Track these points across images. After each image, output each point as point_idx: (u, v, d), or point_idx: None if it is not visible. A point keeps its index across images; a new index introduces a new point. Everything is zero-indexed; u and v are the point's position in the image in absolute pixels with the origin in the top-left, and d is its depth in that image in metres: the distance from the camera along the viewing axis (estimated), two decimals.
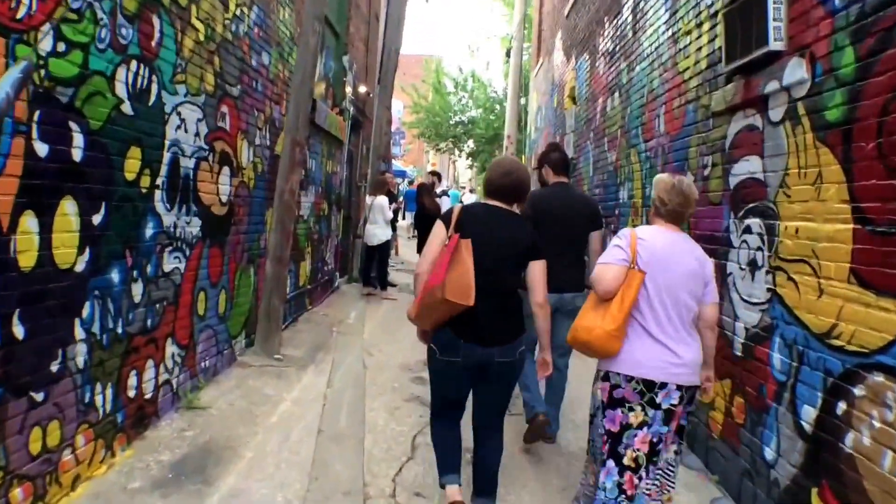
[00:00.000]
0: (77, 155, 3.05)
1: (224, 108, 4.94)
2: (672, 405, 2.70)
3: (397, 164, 25.09)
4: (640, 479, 2.72)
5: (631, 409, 2.70)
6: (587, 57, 8.21)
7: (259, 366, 5.60)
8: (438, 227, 3.02)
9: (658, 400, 2.69)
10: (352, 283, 10.41)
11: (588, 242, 4.12)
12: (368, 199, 9.43)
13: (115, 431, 3.56)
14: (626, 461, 2.71)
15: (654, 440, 2.72)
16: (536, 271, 3.01)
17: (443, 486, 3.15)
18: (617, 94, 6.58)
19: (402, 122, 27.06)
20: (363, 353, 6.41)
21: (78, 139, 3.05)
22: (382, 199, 9.23)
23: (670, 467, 2.88)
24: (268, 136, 6.01)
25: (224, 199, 5.05)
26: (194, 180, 4.49)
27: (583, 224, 4.05)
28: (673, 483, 2.92)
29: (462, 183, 40.61)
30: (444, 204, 10.12)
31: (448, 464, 3.16)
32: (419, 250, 9.85)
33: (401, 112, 29.67)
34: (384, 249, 9.42)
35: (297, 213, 7.17)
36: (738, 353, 3.63)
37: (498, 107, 23.29)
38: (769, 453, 3.19)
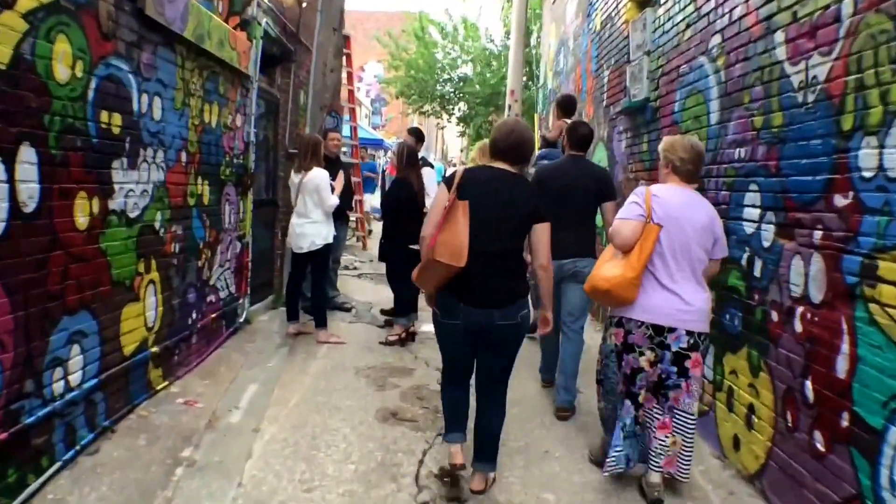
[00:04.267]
0: None
1: None
2: (682, 348, 2.93)
3: (373, 133, 21.02)
4: (650, 409, 3.03)
5: (641, 354, 2.97)
6: None
7: None
8: (441, 189, 3.03)
9: (667, 342, 2.94)
10: (279, 310, 6.53)
11: (602, 213, 4.15)
12: (294, 175, 5.53)
13: None
14: (640, 399, 3.02)
15: (663, 376, 2.98)
16: (540, 234, 2.98)
17: (448, 443, 3.19)
18: None
19: (380, 82, 22.87)
20: None
21: None
22: (317, 176, 5.35)
23: (686, 415, 3.01)
24: None
25: None
26: None
27: (586, 196, 4.07)
28: (686, 433, 3.03)
29: (451, 157, 36.30)
30: (429, 178, 6.17)
31: (454, 422, 3.20)
32: (389, 272, 5.95)
33: (381, 75, 25.48)
34: (321, 259, 5.56)
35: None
36: None
37: (495, 62, 19.20)
38: None
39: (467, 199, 2.85)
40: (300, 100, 7.14)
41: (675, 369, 2.94)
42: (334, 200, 5.43)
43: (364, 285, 8.18)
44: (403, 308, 5.68)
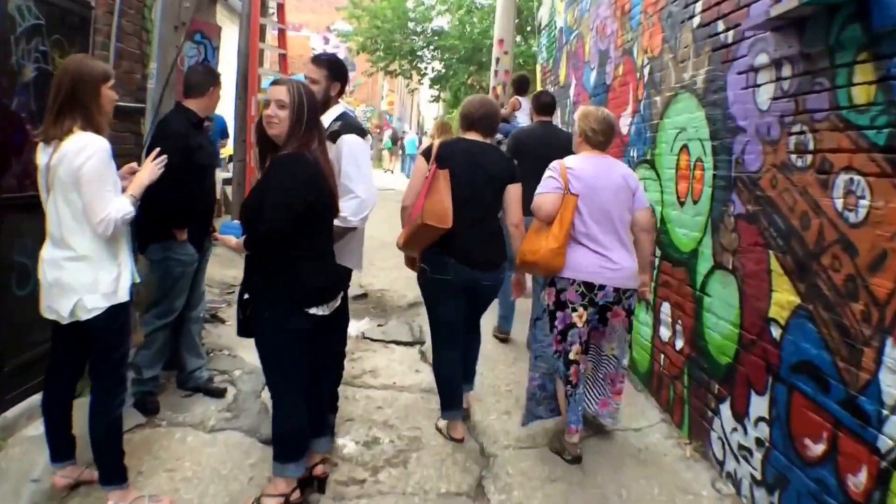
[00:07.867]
0: None
1: None
2: (608, 302, 3.13)
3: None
4: (581, 368, 3.22)
5: (574, 310, 3.13)
6: None
7: None
8: (420, 161, 3.28)
9: (597, 300, 3.11)
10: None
11: None
12: (42, 151, 2.43)
13: None
14: (571, 356, 3.16)
15: (590, 326, 3.19)
16: (512, 194, 3.28)
17: (444, 419, 3.38)
18: None
19: (339, 35, 19.45)
20: None
21: None
22: (79, 152, 2.24)
23: (612, 359, 3.33)
24: None
25: None
26: None
27: (556, 156, 3.93)
28: (622, 379, 3.37)
29: (428, 130, 32.90)
30: (355, 153, 2.96)
31: (452, 398, 3.34)
32: (266, 369, 2.80)
33: (348, 30, 22.09)
34: (108, 342, 2.45)
35: None
36: None
37: (476, 17, 15.97)
38: None
39: (447, 167, 3.11)
40: (145, 14, 4.04)
41: (597, 317, 3.18)
42: (115, 212, 2.33)
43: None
44: (293, 445, 2.66)
